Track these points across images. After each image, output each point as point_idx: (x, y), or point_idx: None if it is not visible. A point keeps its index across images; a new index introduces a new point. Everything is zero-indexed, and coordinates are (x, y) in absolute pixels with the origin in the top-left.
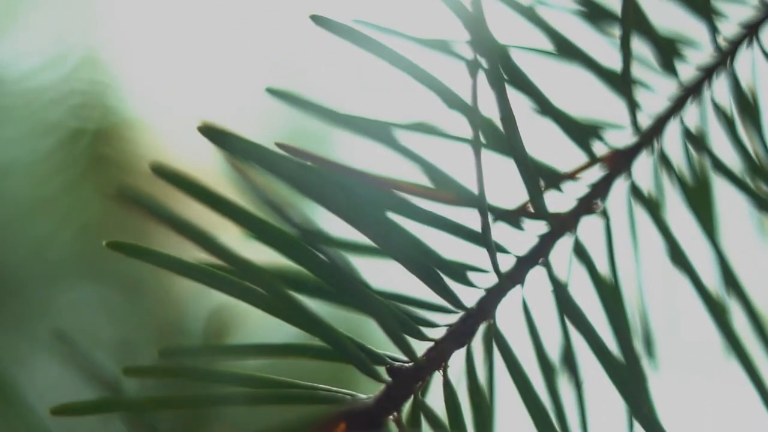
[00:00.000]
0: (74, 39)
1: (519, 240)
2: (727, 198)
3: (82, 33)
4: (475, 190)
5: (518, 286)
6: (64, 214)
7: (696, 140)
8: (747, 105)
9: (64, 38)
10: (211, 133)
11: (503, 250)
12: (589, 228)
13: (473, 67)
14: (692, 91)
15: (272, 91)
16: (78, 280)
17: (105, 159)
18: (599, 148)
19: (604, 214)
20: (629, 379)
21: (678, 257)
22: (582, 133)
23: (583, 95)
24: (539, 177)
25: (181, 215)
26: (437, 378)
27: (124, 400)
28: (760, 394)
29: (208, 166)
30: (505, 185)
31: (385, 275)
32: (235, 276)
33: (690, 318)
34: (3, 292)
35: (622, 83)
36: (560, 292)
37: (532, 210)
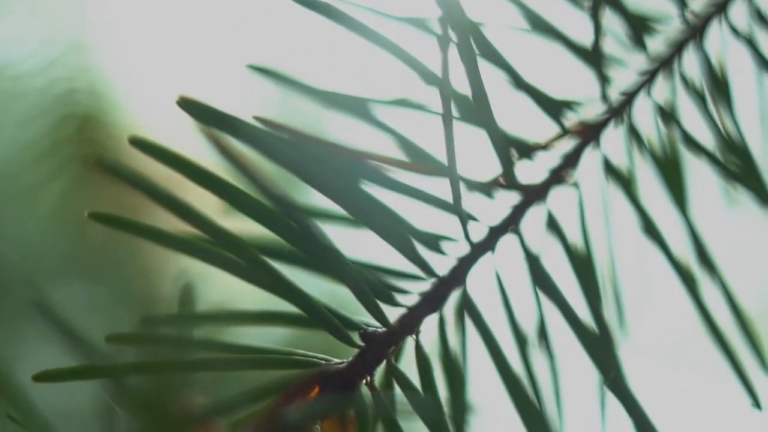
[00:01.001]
0: (59, 24)
1: (492, 210)
2: (698, 171)
3: (67, 18)
4: (447, 162)
5: (490, 254)
6: (50, 204)
7: (665, 113)
8: (717, 80)
9: (49, 23)
10: (189, 106)
11: (475, 220)
12: (561, 199)
13: (444, 41)
14: (662, 65)
15: (253, 68)
16: (66, 271)
17: (92, 146)
18: (570, 121)
19: (575, 184)
20: (600, 346)
21: (649, 228)
22: (553, 105)
23: (555, 69)
24: (511, 148)
25: (159, 185)
26: (410, 346)
27: (104, 367)
28: (732, 367)
29: (194, 147)
30: (479, 158)
31: (360, 245)
32: (214, 246)
33: (661, 288)
34: None
35: (592, 57)
36: (532, 260)
37: (503, 181)
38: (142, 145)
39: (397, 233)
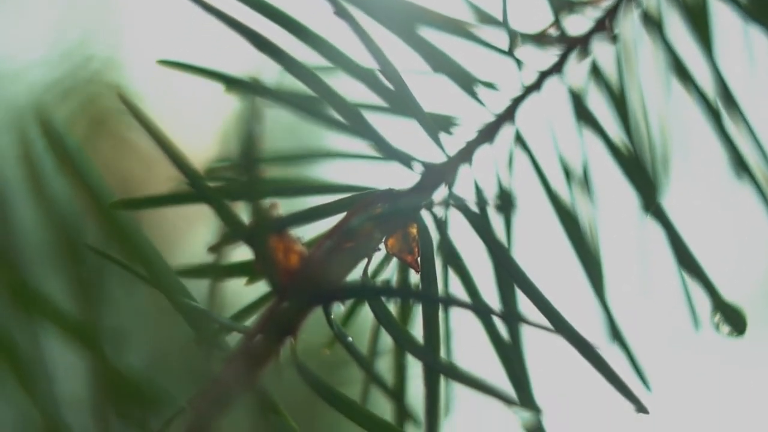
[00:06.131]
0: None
1: (541, 58)
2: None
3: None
4: (501, 15)
5: (537, 95)
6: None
7: None
8: None
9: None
10: None
11: (526, 65)
12: (603, 49)
13: None
14: None
15: None
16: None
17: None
18: None
19: (615, 33)
20: (638, 170)
21: (679, 69)
22: None
23: None
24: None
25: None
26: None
27: (179, 194)
28: (759, 194)
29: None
30: (531, 14)
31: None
32: (292, 91)
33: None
34: None
35: None
36: (575, 97)
37: (552, 31)
38: None
39: (460, 75)
